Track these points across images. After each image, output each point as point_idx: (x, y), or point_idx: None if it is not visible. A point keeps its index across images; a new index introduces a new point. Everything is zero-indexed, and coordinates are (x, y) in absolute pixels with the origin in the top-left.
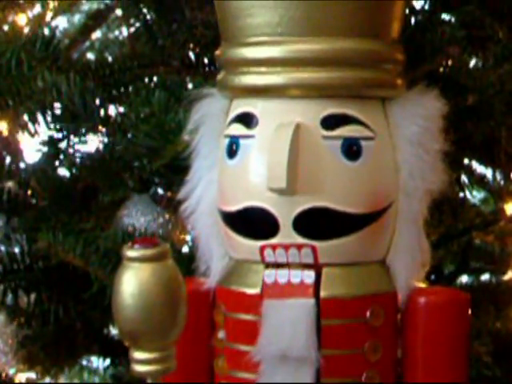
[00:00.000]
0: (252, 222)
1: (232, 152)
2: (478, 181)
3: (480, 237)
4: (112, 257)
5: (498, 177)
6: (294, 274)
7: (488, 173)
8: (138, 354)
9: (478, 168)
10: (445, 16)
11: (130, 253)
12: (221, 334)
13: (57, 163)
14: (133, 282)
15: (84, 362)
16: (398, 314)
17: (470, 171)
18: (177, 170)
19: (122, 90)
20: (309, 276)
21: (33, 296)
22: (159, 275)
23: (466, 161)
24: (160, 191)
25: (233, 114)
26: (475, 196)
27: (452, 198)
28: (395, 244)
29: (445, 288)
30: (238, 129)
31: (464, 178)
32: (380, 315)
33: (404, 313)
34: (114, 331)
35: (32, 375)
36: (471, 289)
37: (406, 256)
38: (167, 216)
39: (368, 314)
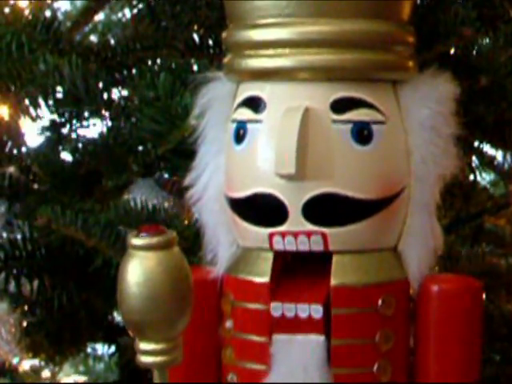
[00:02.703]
0: (260, 209)
1: (239, 137)
2: (488, 163)
3: (491, 221)
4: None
5: (509, 159)
6: (302, 308)
7: (498, 155)
8: (144, 345)
9: (489, 150)
10: None
11: (135, 241)
12: (228, 324)
13: (59, 148)
14: (138, 270)
15: (89, 350)
16: (410, 302)
17: (480, 154)
18: (182, 154)
19: (126, 72)
20: (316, 311)
21: (36, 283)
22: (165, 264)
23: (476, 143)
24: (165, 176)
25: (240, 98)
26: (485, 178)
27: (463, 181)
28: (407, 230)
29: (458, 276)
30: (245, 113)
31: (474, 161)
32: (392, 304)
33: (416, 301)
34: (118, 317)
35: (36, 363)
36: (482, 273)
37: (418, 243)
38: (172, 201)
39: (379, 302)
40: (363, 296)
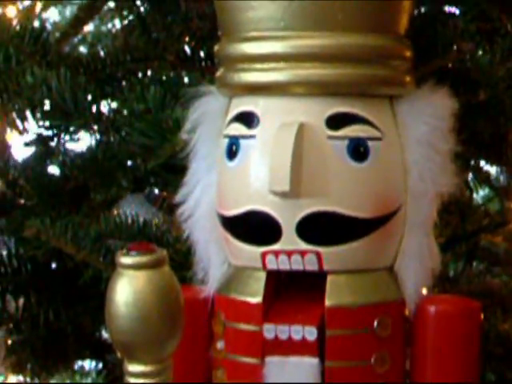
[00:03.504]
0: (253, 227)
1: (232, 153)
2: (484, 179)
3: (487, 238)
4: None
5: (505, 175)
6: (295, 330)
7: (492, 170)
8: (133, 367)
9: (484, 166)
10: (451, 9)
11: (125, 259)
12: (220, 345)
13: (47, 162)
14: (127, 290)
15: (76, 367)
16: (406, 323)
17: (476, 170)
18: (173, 169)
19: (115, 85)
20: (311, 333)
21: (21, 300)
22: (155, 283)
23: (472, 159)
24: (155, 191)
25: (232, 113)
26: (480, 195)
27: (459, 198)
28: (403, 250)
29: (455, 296)
30: (238, 129)
31: (471, 178)
32: (388, 325)
33: (413, 322)
34: (106, 334)
35: (21, 379)
36: (477, 292)
37: (415, 262)
38: (162, 217)
39: (375, 323)
40: (358, 317)
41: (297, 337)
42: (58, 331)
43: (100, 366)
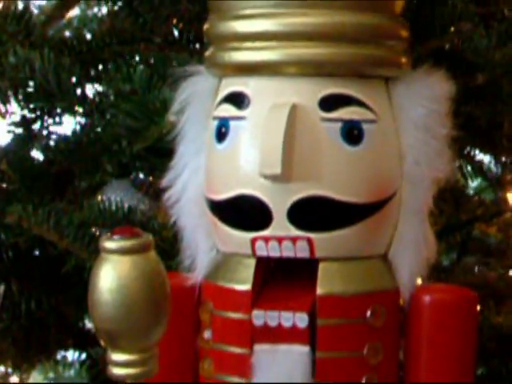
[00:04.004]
0: (243, 212)
1: (221, 135)
2: (478, 169)
3: (482, 228)
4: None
5: (498, 165)
6: (286, 316)
7: (486, 160)
8: (117, 356)
9: (477, 156)
10: None
11: (108, 244)
12: (207, 334)
13: (30, 146)
14: (111, 276)
15: (58, 357)
16: (400, 313)
17: (470, 158)
18: (160, 153)
19: (101, 67)
20: (302, 319)
21: (2, 288)
22: (140, 269)
23: (466, 148)
24: (141, 176)
25: (222, 93)
26: (473, 185)
27: (454, 186)
28: (398, 237)
29: (451, 285)
30: (227, 110)
31: (464, 166)
32: (381, 315)
33: (407, 312)
34: (89, 324)
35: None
36: (472, 283)
37: (410, 250)
38: (148, 203)
39: (368, 313)
40: (351, 306)
41: (287, 324)
42: (40, 321)
43: (83, 356)
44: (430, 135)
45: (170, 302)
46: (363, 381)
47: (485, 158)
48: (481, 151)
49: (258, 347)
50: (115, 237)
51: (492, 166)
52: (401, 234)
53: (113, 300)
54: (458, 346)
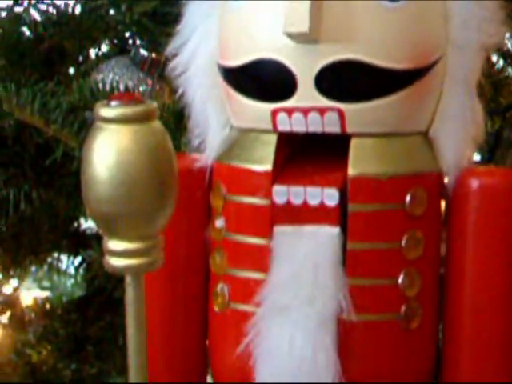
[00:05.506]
0: (262, 80)
1: None
2: None
3: None
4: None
5: None
6: (312, 192)
7: None
8: (115, 244)
9: None
10: None
11: (105, 111)
12: (219, 223)
13: (17, 18)
14: (108, 149)
15: (52, 261)
16: (443, 200)
17: None
18: (164, 20)
19: None
20: (331, 196)
21: None
22: (143, 141)
23: None
24: (142, 52)
25: None
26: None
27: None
28: (442, 111)
29: (502, 168)
30: None
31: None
32: (422, 201)
33: (451, 199)
34: (85, 224)
35: None
36: None
37: (455, 127)
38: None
39: (407, 198)
40: (388, 190)
41: (314, 202)
42: (30, 218)
43: (79, 259)
44: None
45: (177, 182)
46: (401, 277)
47: None
48: None
49: (278, 229)
50: (113, 103)
51: None
52: (445, 108)
53: (111, 178)
54: (510, 238)
